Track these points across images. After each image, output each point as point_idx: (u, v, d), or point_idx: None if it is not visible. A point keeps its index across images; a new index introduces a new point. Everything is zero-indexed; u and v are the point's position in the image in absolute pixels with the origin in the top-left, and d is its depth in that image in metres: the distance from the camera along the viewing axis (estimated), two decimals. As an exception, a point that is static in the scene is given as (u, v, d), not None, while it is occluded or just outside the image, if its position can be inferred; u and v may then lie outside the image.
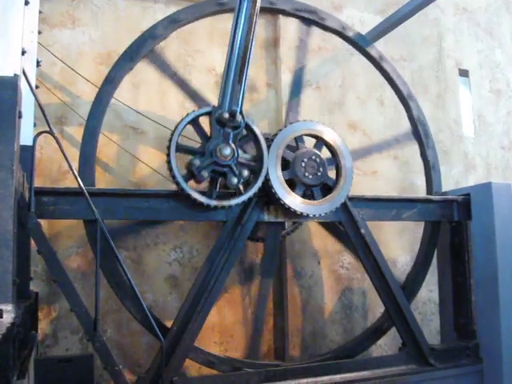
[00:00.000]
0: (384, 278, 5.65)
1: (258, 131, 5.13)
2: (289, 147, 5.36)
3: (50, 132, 4.36)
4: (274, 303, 6.76)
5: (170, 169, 4.79)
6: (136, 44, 5.38)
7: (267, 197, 5.23)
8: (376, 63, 6.59)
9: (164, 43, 5.79)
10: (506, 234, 5.86)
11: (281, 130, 5.32)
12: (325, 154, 5.53)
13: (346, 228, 5.62)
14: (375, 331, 6.34)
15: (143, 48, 5.38)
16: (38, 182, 4.73)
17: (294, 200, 5.18)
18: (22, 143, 3.89)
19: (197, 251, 6.58)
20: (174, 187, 6.34)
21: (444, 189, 6.61)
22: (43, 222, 4.50)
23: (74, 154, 5.13)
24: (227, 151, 4.86)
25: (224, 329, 6.56)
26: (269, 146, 5.17)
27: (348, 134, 7.35)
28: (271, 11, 6.43)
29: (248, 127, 5.09)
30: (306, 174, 5.29)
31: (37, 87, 5.03)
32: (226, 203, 4.93)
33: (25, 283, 4.41)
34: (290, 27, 7.27)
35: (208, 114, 4.97)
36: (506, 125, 8.83)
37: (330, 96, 7.50)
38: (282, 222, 5.66)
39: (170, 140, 4.82)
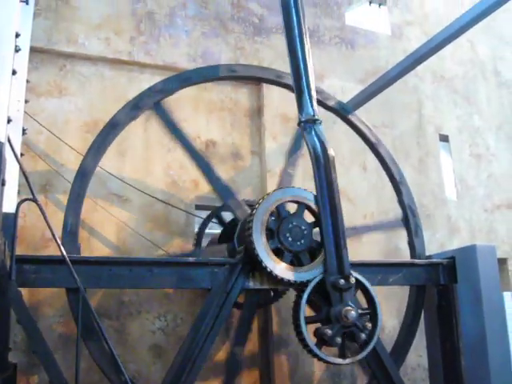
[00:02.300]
0: (372, 344, 5.57)
1: (367, 283, 5.23)
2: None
3: (34, 199, 4.34)
4: (261, 372, 6.59)
5: (305, 345, 4.93)
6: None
7: (252, 263, 5.12)
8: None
9: (149, 113, 5.87)
10: (492, 296, 5.82)
11: (264, 198, 5.22)
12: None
13: (333, 293, 5.56)
14: (365, 399, 6.20)
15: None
16: (20, 250, 4.69)
17: (279, 266, 5.07)
18: (5, 210, 3.89)
19: (181, 319, 6.47)
20: (158, 253, 6.32)
21: (428, 252, 6.60)
22: (24, 290, 4.42)
23: (58, 222, 5.10)
24: (352, 314, 4.93)
25: (210, 399, 6.36)
26: (253, 214, 5.12)
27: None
28: (259, 80, 6.70)
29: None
30: (290, 239, 5.21)
31: (22, 155, 5.06)
32: (359, 357, 5.08)
33: (3, 354, 4.28)
34: (273, 96, 7.46)
35: (321, 281, 5.05)
36: (487, 188, 8.96)
37: (313, 163, 7.56)
38: (265, 289, 5.51)
39: (298, 316, 4.92)
